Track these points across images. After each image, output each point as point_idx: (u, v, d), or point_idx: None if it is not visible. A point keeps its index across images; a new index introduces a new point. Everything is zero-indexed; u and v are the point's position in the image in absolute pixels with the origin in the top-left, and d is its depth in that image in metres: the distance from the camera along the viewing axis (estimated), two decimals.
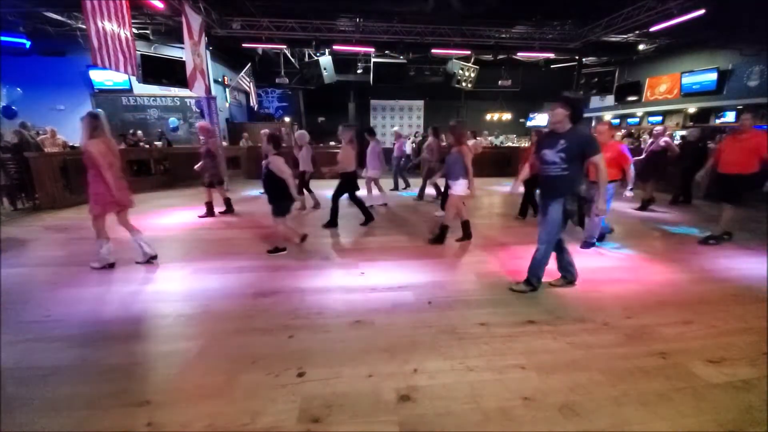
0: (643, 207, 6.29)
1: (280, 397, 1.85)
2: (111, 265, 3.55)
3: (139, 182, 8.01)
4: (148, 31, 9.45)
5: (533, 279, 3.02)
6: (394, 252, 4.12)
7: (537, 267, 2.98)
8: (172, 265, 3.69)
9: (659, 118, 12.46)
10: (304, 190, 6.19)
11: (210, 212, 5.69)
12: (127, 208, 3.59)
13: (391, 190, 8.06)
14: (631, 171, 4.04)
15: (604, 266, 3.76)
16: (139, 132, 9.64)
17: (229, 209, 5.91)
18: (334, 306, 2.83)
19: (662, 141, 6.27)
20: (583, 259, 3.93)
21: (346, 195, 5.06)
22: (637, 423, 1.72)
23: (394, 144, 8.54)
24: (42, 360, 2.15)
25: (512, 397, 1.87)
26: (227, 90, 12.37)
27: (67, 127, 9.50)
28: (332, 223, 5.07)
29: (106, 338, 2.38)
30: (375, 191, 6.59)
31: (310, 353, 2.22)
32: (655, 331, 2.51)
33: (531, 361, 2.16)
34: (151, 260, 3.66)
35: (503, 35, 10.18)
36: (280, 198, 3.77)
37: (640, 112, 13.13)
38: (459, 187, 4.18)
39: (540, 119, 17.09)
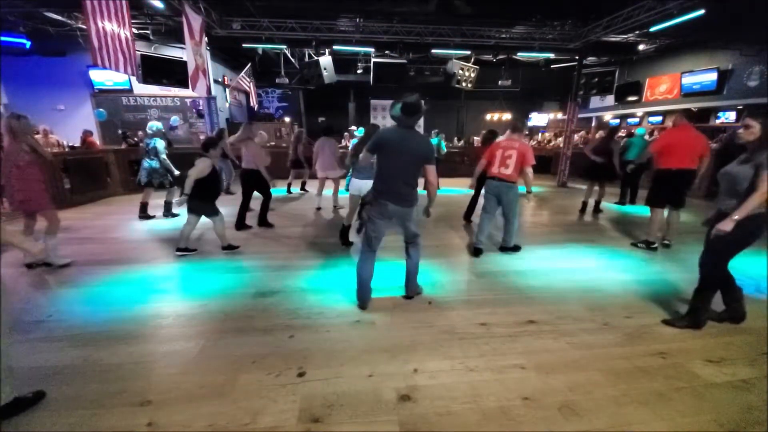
0: (595, 209, 6.10)
1: (280, 397, 1.86)
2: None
3: None
4: (148, 31, 9.43)
5: (358, 292, 2.79)
6: (393, 252, 4.11)
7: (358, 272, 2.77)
8: (172, 264, 3.69)
9: (659, 118, 12.45)
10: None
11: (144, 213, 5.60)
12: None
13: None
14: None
15: (603, 266, 3.76)
16: (140, 132, 9.64)
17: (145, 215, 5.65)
18: (334, 306, 2.84)
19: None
20: (582, 259, 3.95)
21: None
22: (637, 423, 1.72)
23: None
24: (43, 360, 2.15)
25: (512, 396, 1.88)
26: (227, 90, 12.37)
27: (67, 126, 9.53)
28: (240, 225, 4.87)
29: (107, 338, 2.38)
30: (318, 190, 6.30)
31: (310, 353, 2.23)
32: (654, 331, 2.51)
33: (531, 361, 2.17)
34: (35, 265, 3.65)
35: (503, 35, 10.15)
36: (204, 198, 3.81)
37: (640, 112, 13.11)
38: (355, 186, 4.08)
39: (538, 119, 17.13)
